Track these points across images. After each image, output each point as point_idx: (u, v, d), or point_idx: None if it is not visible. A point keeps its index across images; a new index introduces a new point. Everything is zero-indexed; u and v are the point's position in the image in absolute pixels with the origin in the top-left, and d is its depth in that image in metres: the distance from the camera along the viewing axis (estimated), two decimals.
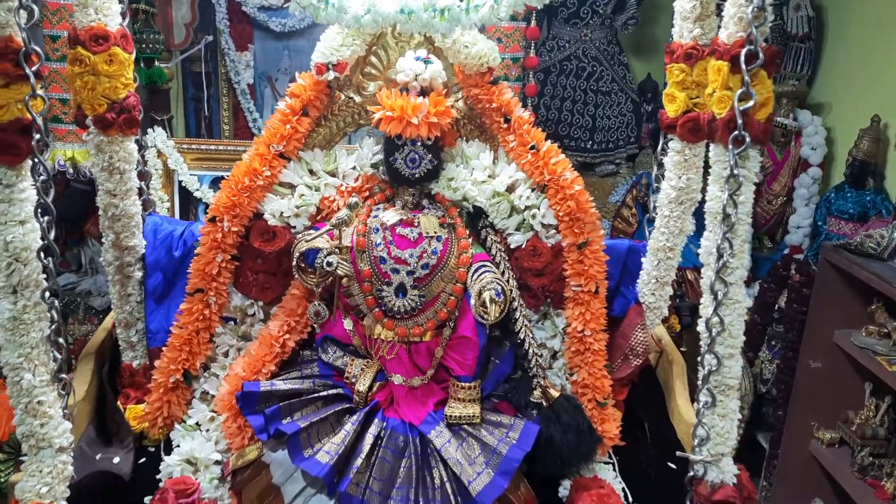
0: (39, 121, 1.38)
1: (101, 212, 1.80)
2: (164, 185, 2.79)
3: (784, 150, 3.20)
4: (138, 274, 1.90)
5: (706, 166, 1.63)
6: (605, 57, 3.36)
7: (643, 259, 1.95)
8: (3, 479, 2.46)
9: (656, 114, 3.45)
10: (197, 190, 2.81)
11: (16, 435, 2.44)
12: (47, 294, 1.45)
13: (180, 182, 2.81)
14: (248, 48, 3.22)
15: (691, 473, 1.58)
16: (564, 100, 3.36)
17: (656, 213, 1.91)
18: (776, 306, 3.14)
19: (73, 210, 2.79)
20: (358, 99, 1.86)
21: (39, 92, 1.36)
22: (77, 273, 3.02)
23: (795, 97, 3.20)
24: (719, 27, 1.52)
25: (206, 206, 2.74)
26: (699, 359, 1.58)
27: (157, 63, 2.87)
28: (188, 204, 2.89)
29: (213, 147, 2.92)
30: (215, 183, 2.84)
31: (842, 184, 2.99)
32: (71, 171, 2.64)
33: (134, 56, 1.70)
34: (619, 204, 3.41)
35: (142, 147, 1.89)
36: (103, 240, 1.84)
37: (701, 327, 1.56)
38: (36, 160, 1.40)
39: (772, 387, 3.13)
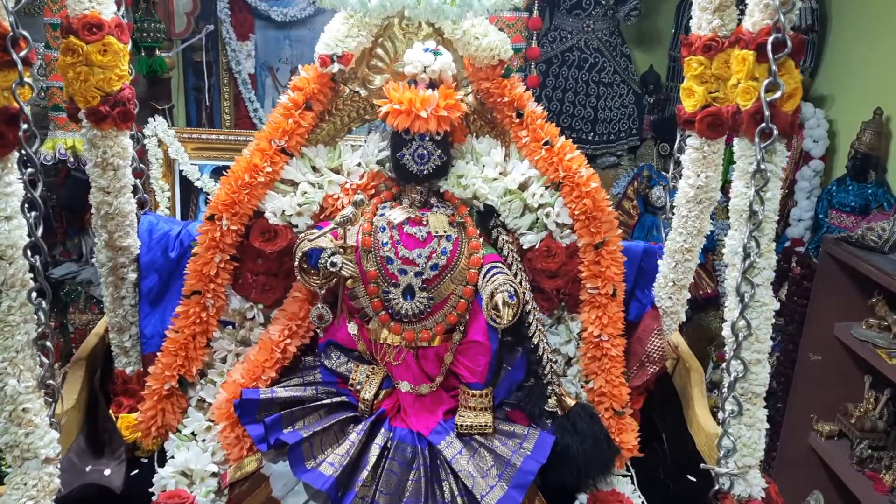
0: (27, 110, 1.35)
1: (94, 210, 1.77)
2: (164, 174, 2.84)
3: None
4: (132, 276, 1.87)
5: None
6: (608, 48, 3.42)
7: (659, 262, 1.93)
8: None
9: (658, 106, 3.54)
10: (198, 180, 2.85)
11: None
12: (34, 295, 1.41)
13: (181, 172, 2.86)
14: (250, 38, 3.27)
15: (716, 487, 1.57)
16: (566, 91, 3.44)
17: (673, 214, 1.88)
18: (776, 299, 3.19)
19: (73, 199, 2.85)
20: (363, 93, 1.84)
21: (28, 80, 1.33)
22: (78, 262, 3.08)
23: None
24: (739, 19, 1.52)
25: (207, 195, 2.84)
26: (724, 364, 1.57)
27: (158, 52, 2.93)
28: (189, 194, 2.94)
29: (213, 137, 2.97)
30: (216, 173, 2.89)
31: (843, 176, 3.02)
32: (72, 159, 2.71)
33: (130, 46, 1.67)
34: (620, 196, 3.46)
35: (138, 141, 1.86)
36: (96, 239, 1.82)
37: (726, 332, 1.54)
38: (23, 152, 1.36)
39: (771, 379, 3.16)
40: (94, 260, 1.87)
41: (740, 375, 1.52)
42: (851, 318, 2.67)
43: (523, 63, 3.17)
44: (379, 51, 1.82)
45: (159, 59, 2.92)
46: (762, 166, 1.43)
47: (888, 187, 2.92)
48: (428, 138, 1.68)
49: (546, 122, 1.78)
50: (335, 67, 1.73)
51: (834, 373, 2.77)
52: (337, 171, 1.82)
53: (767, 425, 1.57)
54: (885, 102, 2.87)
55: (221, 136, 2.98)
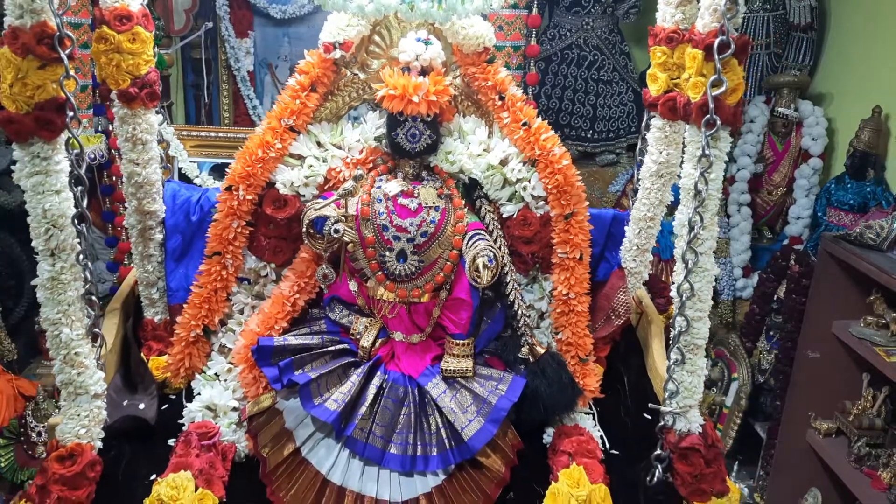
0: (73, 99, 1.48)
1: (124, 179, 1.90)
2: (164, 171, 2.77)
3: (785, 140, 3.19)
4: (159, 236, 1.99)
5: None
6: (607, 46, 3.30)
7: (626, 227, 2.04)
8: (3, 464, 2.57)
9: None
10: (197, 177, 2.72)
11: (14, 421, 2.54)
12: (81, 257, 1.56)
13: (180, 169, 2.75)
14: (249, 35, 3.18)
15: (662, 423, 1.70)
16: (565, 89, 3.30)
17: (639, 185, 2.00)
18: (775, 297, 3.14)
19: None
20: (362, 76, 1.93)
21: (72, 73, 1.45)
22: None
23: (797, 87, 3.16)
24: None
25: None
26: (670, 321, 1.71)
27: (156, 49, 2.80)
28: None
29: (212, 134, 2.92)
30: (215, 170, 2.80)
31: (842, 174, 2.97)
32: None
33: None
34: (619, 193, 3.35)
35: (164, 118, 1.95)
36: (126, 204, 1.94)
37: (673, 293, 1.66)
38: (69, 135, 1.50)
39: (770, 377, 3.14)
40: (131, 230, 1.95)
41: (684, 330, 1.64)
42: (850, 315, 2.58)
43: (522, 61, 3.05)
44: (376, 38, 1.91)
45: (158, 56, 2.68)
46: (707, 151, 1.55)
47: (887, 185, 2.86)
48: (419, 119, 1.77)
49: (524, 104, 1.87)
50: (337, 53, 1.82)
51: (832, 371, 2.69)
52: (339, 146, 1.91)
53: (706, 372, 1.70)
54: (883, 100, 2.81)
55: (220, 134, 2.91)
